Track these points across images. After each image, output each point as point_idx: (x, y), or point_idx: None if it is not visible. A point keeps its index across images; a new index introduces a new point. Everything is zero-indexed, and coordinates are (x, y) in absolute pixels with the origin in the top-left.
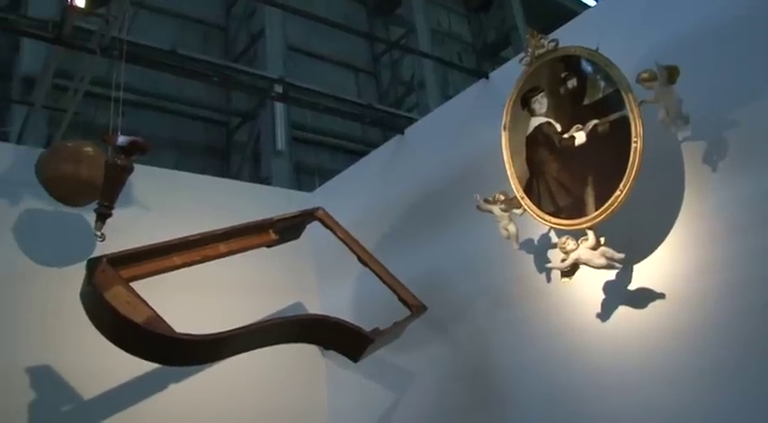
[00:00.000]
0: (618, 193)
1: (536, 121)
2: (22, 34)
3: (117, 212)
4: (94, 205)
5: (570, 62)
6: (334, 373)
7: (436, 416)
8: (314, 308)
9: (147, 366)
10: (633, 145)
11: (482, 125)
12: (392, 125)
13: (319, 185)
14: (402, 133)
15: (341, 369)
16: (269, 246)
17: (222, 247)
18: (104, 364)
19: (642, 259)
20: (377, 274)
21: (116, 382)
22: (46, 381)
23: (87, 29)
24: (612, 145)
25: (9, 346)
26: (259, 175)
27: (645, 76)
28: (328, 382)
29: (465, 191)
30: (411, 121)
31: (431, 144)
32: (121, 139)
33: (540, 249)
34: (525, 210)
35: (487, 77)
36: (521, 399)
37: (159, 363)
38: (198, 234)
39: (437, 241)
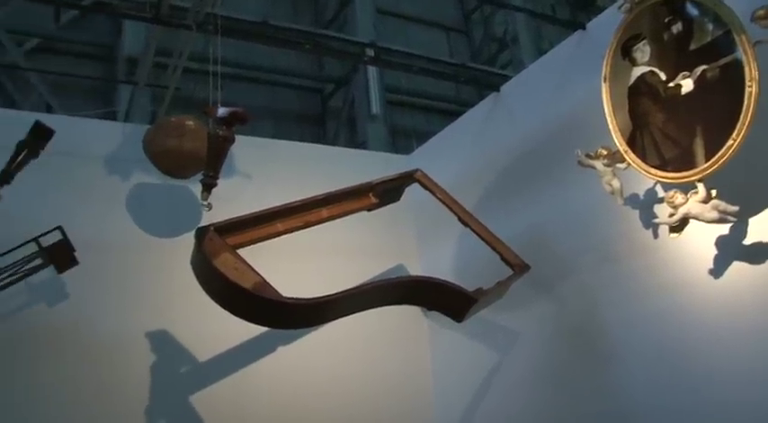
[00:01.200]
0: (731, 141)
1: (638, 71)
2: (123, 16)
3: (221, 183)
4: (200, 176)
5: (674, 5)
6: (436, 334)
7: (542, 375)
8: (415, 270)
9: (256, 330)
10: (748, 89)
11: (580, 78)
12: (487, 83)
13: (416, 148)
14: (497, 91)
15: (444, 330)
16: (369, 209)
17: (324, 213)
18: (216, 329)
19: (758, 212)
20: (478, 234)
21: (228, 346)
22: (163, 345)
23: (183, 7)
24: (723, 91)
25: (127, 313)
26: (355, 140)
27: (761, 12)
28: (431, 344)
29: (565, 147)
30: (505, 78)
31: (528, 100)
32: (222, 111)
33: (646, 204)
34: (629, 164)
35: (584, 28)
36: (628, 356)
37: (267, 326)
38: (299, 200)
39: (538, 199)
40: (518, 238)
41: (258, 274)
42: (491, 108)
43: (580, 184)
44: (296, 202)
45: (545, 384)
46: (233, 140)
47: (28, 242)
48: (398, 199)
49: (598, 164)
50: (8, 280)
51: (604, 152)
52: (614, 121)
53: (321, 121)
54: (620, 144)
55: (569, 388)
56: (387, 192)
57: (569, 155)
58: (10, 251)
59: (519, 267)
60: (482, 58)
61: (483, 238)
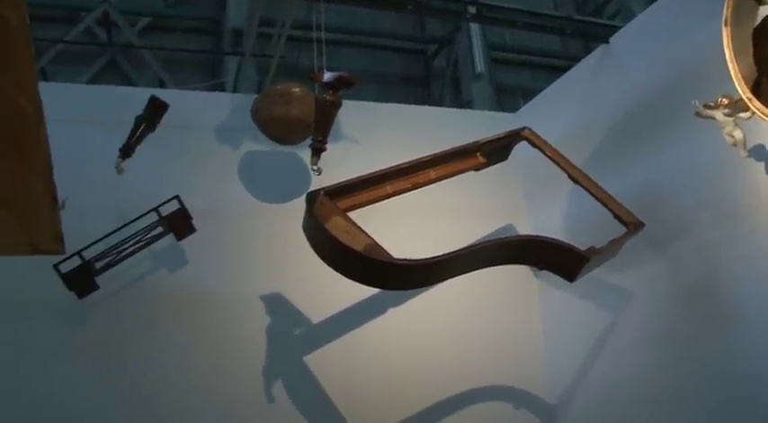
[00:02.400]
0: None
1: (766, 11)
2: None
3: (328, 147)
4: (308, 142)
5: None
6: (547, 294)
7: (656, 336)
8: (524, 229)
9: (367, 292)
10: None
11: (696, 24)
12: (594, 35)
13: (522, 106)
14: (606, 43)
15: (555, 290)
16: (477, 169)
17: (431, 174)
18: (329, 291)
19: None
20: (589, 191)
21: (339, 308)
22: (277, 308)
23: None
24: None
25: (242, 277)
26: (460, 100)
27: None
28: (542, 304)
29: (680, 98)
30: (614, 29)
31: (639, 51)
32: (328, 76)
33: None
34: (754, 112)
35: None
36: (750, 317)
37: (378, 287)
38: (407, 162)
39: (652, 153)
40: (630, 196)
41: (369, 237)
42: (599, 61)
43: (698, 137)
44: (403, 163)
45: (658, 346)
46: (340, 105)
47: (149, 212)
48: (506, 158)
49: (718, 114)
50: (132, 248)
51: (725, 101)
52: (736, 68)
53: (425, 82)
54: (743, 92)
55: (685, 350)
56: (494, 151)
57: (685, 106)
58: (133, 221)
59: (633, 225)
60: (588, 9)
61: (594, 196)
